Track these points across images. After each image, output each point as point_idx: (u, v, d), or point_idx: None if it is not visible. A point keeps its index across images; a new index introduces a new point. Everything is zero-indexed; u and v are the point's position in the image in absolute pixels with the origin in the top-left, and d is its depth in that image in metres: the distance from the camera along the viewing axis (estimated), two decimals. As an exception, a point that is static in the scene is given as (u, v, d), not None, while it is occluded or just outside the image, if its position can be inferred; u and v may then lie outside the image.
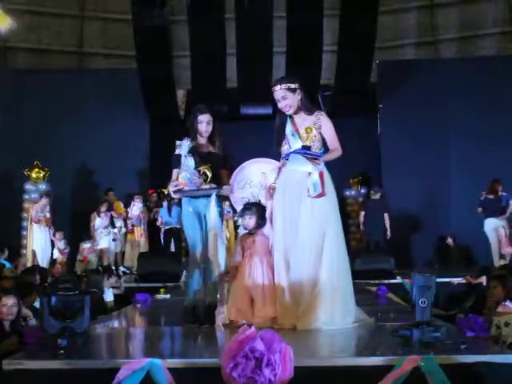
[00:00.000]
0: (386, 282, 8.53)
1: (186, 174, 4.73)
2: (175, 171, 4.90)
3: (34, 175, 13.10)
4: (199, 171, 4.70)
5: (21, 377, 3.21)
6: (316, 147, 4.69)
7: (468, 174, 12.52)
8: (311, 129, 4.70)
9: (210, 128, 4.85)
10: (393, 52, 15.58)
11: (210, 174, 4.71)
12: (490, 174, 11.37)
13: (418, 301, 3.52)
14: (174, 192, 4.78)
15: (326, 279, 4.44)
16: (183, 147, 4.79)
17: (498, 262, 10.70)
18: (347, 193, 14.51)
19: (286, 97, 4.70)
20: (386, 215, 11.77)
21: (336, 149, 4.71)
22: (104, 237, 12.18)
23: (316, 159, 4.58)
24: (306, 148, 4.63)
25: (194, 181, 4.71)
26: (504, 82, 13.22)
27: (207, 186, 4.70)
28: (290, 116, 4.79)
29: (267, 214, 4.74)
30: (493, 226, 11.04)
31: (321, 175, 4.55)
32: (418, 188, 12.62)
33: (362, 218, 12.45)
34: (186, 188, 4.75)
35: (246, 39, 12.77)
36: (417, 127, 13.26)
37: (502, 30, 15.10)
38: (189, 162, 4.73)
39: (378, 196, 12.11)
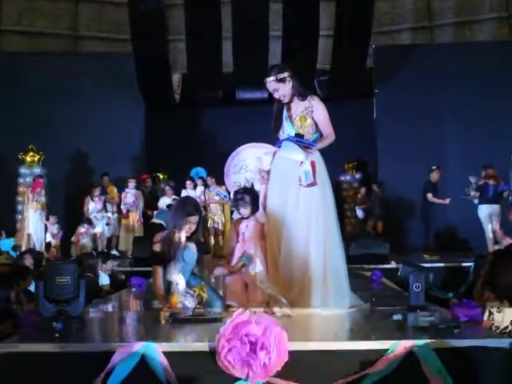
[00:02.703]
0: (381, 266, 8.54)
1: (179, 299, 4.02)
2: (157, 270, 4.38)
3: (28, 159, 13.07)
4: (193, 292, 4.15)
5: (15, 360, 3.22)
6: (309, 133, 4.72)
7: (464, 160, 12.52)
8: (305, 118, 4.73)
9: (194, 228, 4.47)
10: (389, 37, 15.53)
11: (205, 296, 4.25)
12: (486, 160, 11.37)
13: (412, 286, 3.54)
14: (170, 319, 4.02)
15: (317, 264, 4.48)
16: (173, 272, 4.17)
17: (492, 248, 10.74)
18: (342, 178, 14.55)
19: (277, 88, 4.74)
20: (429, 195, 11.15)
21: (328, 135, 4.73)
22: (98, 221, 12.18)
23: (308, 148, 4.60)
24: (298, 136, 4.65)
25: (188, 304, 4.02)
26: (500, 67, 13.20)
27: (202, 312, 4.16)
28: (287, 102, 4.83)
29: (260, 200, 4.75)
30: (489, 211, 11.05)
31: (312, 165, 4.56)
32: (414, 173, 12.57)
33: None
34: (182, 316, 3.99)
35: (242, 23, 12.69)
36: (413, 112, 13.24)
37: (499, 15, 15.05)
38: (177, 288, 4.09)
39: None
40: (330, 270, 4.52)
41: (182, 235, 4.32)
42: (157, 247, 4.45)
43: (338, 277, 4.58)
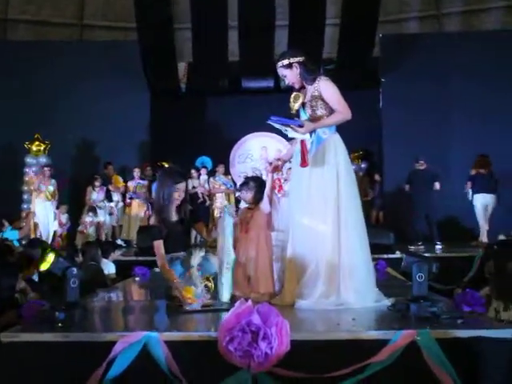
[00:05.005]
0: (385, 256, 8.52)
1: (194, 289, 4.19)
2: (159, 244, 4.37)
3: (34, 148, 13.08)
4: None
5: (18, 349, 3.23)
6: (318, 115, 4.51)
7: (470, 150, 12.42)
8: (298, 96, 4.57)
9: (183, 195, 4.53)
10: (396, 25, 15.43)
11: (211, 285, 4.29)
12: (492, 150, 11.32)
13: (415, 276, 3.52)
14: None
15: (327, 257, 4.28)
16: (196, 258, 4.32)
17: (485, 238, 10.83)
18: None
19: (285, 75, 4.62)
20: (437, 184, 11.12)
21: (338, 112, 4.48)
22: (100, 211, 12.21)
23: (290, 126, 4.31)
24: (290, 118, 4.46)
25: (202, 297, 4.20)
26: (508, 56, 13.08)
27: (210, 302, 4.24)
28: (299, 89, 4.64)
29: (266, 190, 4.65)
30: (484, 201, 11.06)
31: (302, 144, 4.36)
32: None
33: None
34: (195, 307, 4.11)
35: (248, 12, 12.64)
36: (419, 102, 13.15)
37: (508, 3, 14.91)
38: (196, 275, 4.25)
39: (424, 166, 11.42)
40: (342, 263, 4.28)
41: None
42: (152, 221, 4.54)
43: (351, 271, 4.30)
